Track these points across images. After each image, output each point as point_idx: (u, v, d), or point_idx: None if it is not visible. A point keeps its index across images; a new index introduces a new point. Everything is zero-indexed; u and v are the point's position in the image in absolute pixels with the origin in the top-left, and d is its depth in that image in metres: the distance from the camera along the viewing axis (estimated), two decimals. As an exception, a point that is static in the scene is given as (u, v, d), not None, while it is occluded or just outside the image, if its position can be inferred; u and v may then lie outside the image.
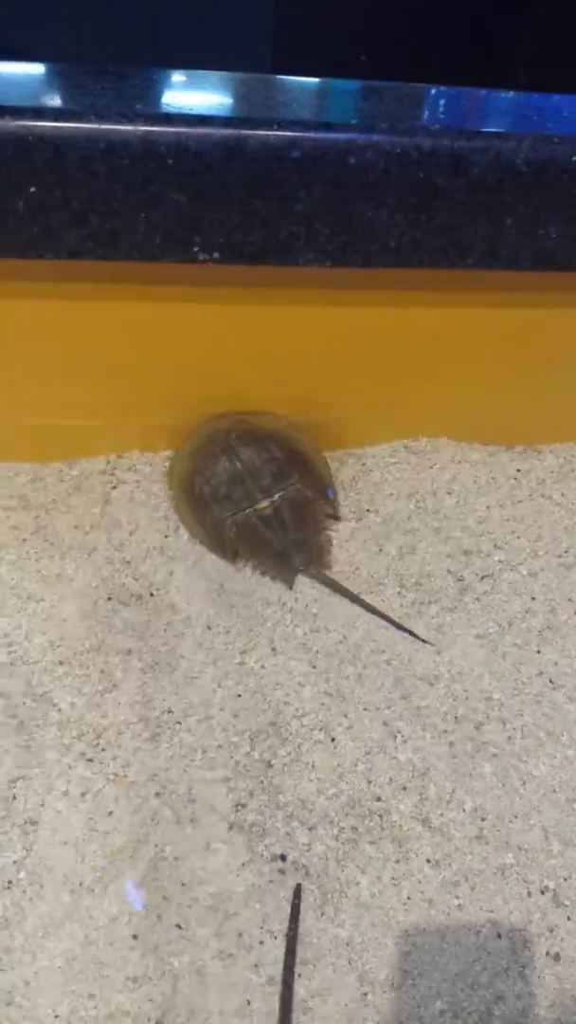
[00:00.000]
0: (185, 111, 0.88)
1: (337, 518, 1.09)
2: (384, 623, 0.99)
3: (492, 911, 0.80)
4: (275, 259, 0.94)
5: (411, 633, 0.98)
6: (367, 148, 0.90)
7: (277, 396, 1.12)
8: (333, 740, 0.89)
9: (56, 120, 0.84)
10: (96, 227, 0.90)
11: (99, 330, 1.01)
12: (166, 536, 1.05)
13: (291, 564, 1.02)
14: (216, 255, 0.93)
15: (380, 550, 1.07)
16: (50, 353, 1.02)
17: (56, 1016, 0.72)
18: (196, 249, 0.92)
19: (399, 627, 0.98)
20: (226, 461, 1.04)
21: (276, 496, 1.04)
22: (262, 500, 1.03)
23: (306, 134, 0.89)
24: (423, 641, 0.98)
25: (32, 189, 0.86)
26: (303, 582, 1.02)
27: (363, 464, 1.16)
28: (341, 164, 0.90)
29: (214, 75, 1.04)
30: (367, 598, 1.00)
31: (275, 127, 0.88)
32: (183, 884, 0.79)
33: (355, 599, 1.00)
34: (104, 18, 1.37)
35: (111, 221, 0.89)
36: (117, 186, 0.87)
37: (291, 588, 1.01)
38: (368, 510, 1.11)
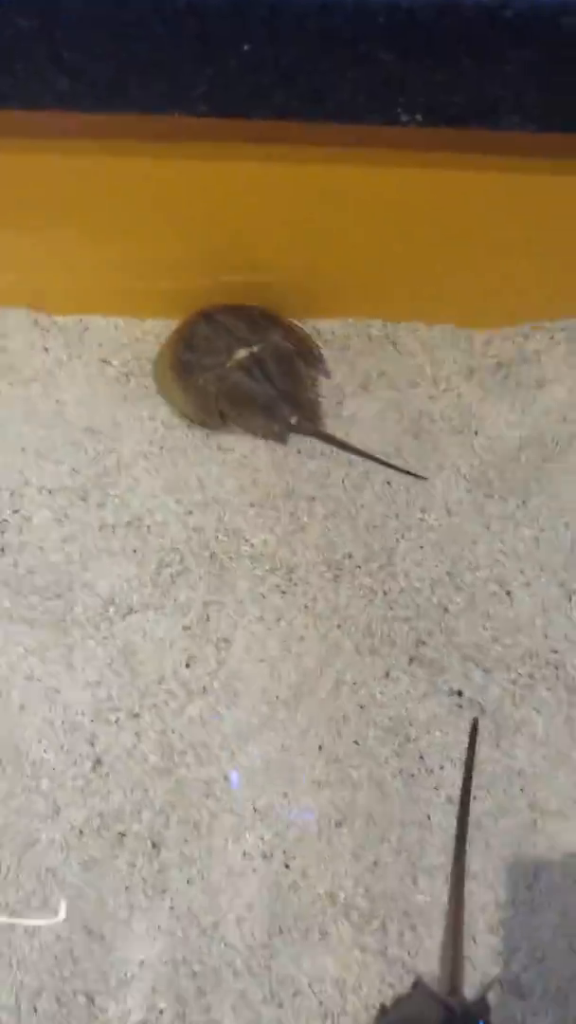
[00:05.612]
0: (398, -32, 0.88)
1: (327, 375, 1.06)
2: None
3: None
4: (478, 122, 0.95)
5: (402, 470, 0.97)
6: (580, 8, 0.89)
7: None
8: (509, 594, 0.92)
9: (273, -23, 0.87)
10: (304, 87, 0.92)
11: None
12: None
13: (280, 417, 1.00)
14: (419, 116, 0.94)
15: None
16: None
17: (255, 810, 0.79)
18: (399, 110, 0.94)
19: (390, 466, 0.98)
20: (205, 326, 1.04)
21: (256, 347, 1.02)
22: (240, 350, 1.02)
23: (518, -8, 0.88)
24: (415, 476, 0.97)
25: (245, 47, 0.89)
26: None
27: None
28: (552, 26, 0.89)
29: None
30: None
31: (487, -16, 0.88)
32: (361, 707, 0.85)
33: (346, 447, 0.99)
34: None
35: (319, 81, 0.92)
36: (327, 44, 0.89)
37: (284, 443, 1.01)
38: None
